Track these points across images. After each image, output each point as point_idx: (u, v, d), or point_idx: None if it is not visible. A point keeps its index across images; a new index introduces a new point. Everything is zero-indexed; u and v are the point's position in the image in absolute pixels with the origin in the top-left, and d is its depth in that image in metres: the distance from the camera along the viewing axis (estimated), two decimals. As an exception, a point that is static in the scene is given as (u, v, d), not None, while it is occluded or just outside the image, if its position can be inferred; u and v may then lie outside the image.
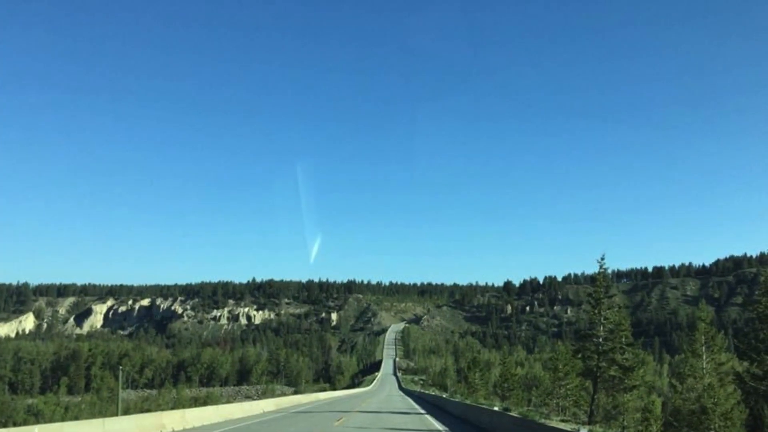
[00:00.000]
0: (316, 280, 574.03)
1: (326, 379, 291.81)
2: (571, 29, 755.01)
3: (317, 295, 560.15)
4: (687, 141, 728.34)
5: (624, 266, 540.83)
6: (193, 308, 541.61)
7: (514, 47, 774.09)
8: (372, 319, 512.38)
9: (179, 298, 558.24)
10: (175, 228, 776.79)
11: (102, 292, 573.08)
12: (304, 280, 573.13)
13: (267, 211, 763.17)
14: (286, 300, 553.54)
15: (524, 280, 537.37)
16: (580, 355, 59.29)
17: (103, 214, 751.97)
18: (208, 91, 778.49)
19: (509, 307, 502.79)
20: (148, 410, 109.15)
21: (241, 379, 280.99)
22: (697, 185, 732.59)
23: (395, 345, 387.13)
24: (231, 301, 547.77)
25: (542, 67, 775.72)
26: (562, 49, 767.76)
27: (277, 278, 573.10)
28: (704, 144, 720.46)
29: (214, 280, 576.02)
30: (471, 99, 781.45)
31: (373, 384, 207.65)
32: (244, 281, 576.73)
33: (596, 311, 55.95)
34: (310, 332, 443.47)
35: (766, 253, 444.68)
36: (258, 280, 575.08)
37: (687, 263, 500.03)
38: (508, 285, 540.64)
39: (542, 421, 31.74)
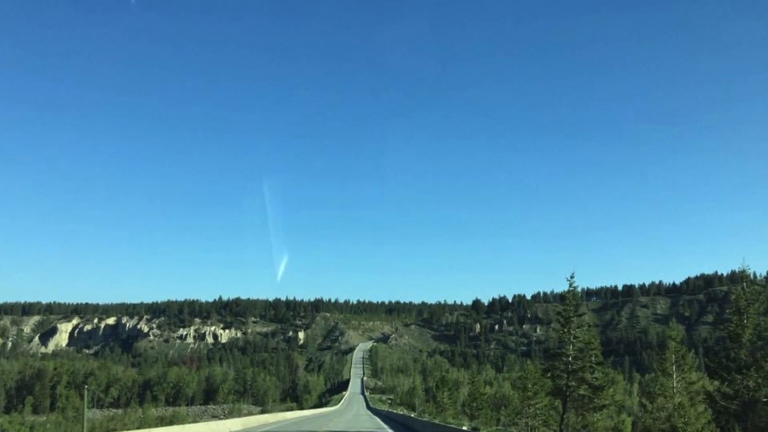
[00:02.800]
0: (283, 298, 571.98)
1: (293, 398, 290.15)
2: (541, 45, 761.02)
3: (284, 313, 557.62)
4: (658, 158, 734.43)
5: (594, 284, 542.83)
6: (159, 327, 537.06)
7: (484, 63, 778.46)
8: (339, 338, 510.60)
9: (145, 316, 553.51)
10: (141, 246, 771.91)
11: (67, 311, 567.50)
12: (271, 299, 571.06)
13: (234, 229, 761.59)
14: (253, 318, 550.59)
15: (493, 299, 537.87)
16: (549, 374, 58.94)
17: (68, 231, 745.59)
18: (174, 108, 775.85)
19: (478, 326, 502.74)
20: (114, 430, 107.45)
21: (208, 399, 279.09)
22: (668, 202, 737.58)
23: (363, 364, 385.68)
24: (197, 320, 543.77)
25: (512, 84, 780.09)
26: (532, 65, 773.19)
27: (243, 297, 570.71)
28: (675, 161, 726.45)
29: (180, 298, 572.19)
30: (440, 115, 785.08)
31: (340, 403, 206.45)
32: (211, 300, 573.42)
33: (566, 330, 55.63)
34: (277, 351, 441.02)
35: (737, 271, 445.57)
36: (224, 298, 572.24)
37: (657, 281, 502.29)
38: (476, 303, 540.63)
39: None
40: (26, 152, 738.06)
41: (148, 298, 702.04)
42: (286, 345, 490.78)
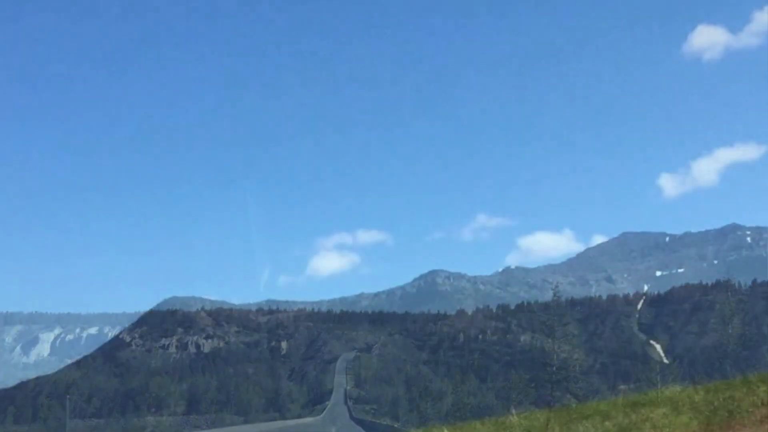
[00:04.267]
0: (266, 308, 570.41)
1: (276, 408, 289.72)
2: (527, 55, 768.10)
3: (267, 323, 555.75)
4: (645, 166, 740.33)
5: (578, 294, 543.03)
6: (141, 336, 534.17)
7: (472, 74, 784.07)
8: (323, 348, 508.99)
9: (127, 326, 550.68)
10: (124, 256, 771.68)
11: (49, 321, 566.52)
12: (254, 308, 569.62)
13: (217, 239, 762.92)
14: (236, 328, 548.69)
15: (477, 308, 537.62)
16: (533, 384, 58.89)
17: (51, 241, 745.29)
18: (157, 117, 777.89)
19: (462, 336, 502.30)
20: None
21: (190, 409, 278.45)
22: (655, 211, 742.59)
23: (346, 374, 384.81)
24: (180, 330, 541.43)
25: (498, 92, 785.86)
26: (518, 74, 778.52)
27: (226, 306, 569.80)
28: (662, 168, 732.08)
29: (163, 308, 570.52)
30: (425, 125, 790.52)
31: (323, 413, 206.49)
32: (193, 309, 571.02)
33: (550, 340, 55.59)
34: (260, 361, 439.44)
35: (721, 281, 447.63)
36: (207, 308, 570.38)
37: (642, 291, 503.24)
38: (460, 313, 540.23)
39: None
40: (6, 161, 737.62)
41: (131, 308, 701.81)
42: (269, 355, 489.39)
